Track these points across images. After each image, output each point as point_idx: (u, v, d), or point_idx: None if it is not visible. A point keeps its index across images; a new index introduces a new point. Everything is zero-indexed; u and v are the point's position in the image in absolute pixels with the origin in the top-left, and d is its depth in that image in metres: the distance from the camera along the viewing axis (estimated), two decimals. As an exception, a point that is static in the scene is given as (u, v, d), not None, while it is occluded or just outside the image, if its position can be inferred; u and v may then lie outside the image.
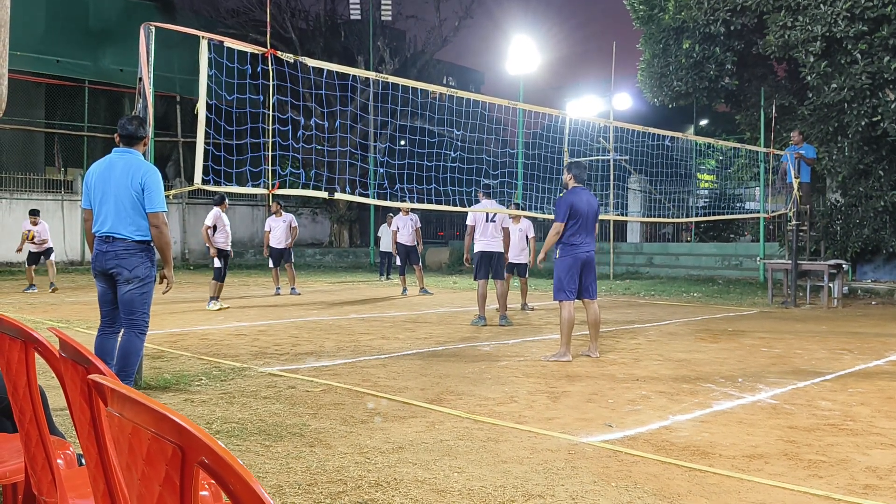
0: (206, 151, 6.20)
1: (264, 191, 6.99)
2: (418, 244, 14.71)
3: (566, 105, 28.05)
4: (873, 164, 15.02)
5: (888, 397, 5.49)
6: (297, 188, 8.36)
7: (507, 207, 11.66)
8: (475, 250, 10.01)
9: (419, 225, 14.78)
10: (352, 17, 27.83)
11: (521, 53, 21.86)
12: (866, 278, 15.25)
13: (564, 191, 7.38)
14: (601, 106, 27.46)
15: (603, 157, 20.38)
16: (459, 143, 10.36)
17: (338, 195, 8.11)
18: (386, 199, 9.44)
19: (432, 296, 14.43)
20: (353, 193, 9.29)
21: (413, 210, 14.23)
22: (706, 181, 26.00)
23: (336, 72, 7.89)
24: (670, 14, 16.68)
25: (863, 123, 14.13)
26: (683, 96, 17.72)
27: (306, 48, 26.72)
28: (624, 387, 5.80)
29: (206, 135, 6.27)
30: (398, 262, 15.11)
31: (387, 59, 27.14)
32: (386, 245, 18.45)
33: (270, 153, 7.23)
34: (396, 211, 15.13)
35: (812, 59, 14.20)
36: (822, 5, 13.60)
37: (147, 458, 1.04)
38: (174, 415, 0.96)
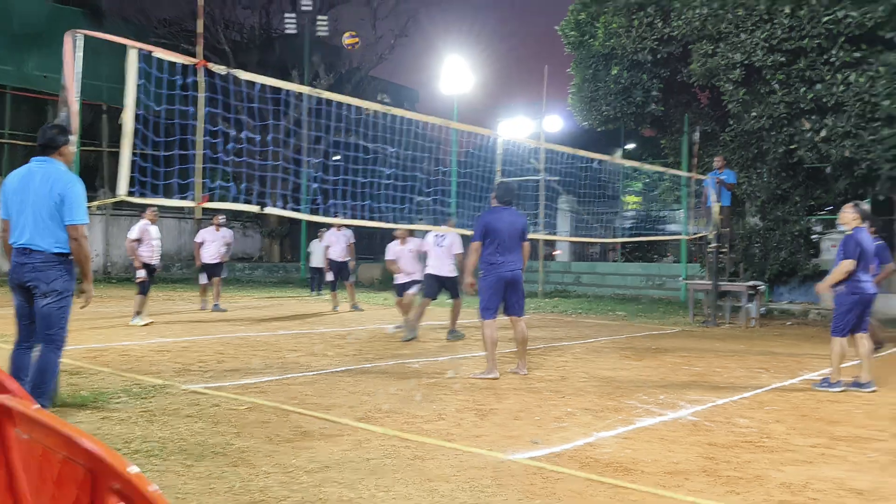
0: (132, 162, 6.05)
1: (192, 203, 6.85)
2: (351, 260, 14.60)
3: (499, 125, 28.48)
4: (790, 189, 15.71)
5: (802, 415, 5.73)
6: (227, 201, 8.20)
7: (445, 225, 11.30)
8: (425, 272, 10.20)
9: (352, 240, 14.64)
10: (287, 31, 27.65)
11: (456, 73, 22.11)
12: (782, 299, 15.89)
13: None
14: (533, 127, 27.94)
15: (534, 178, 20.72)
16: (394, 161, 10.40)
17: (269, 210, 8.02)
18: (318, 215, 9.35)
19: (363, 312, 14.36)
20: (284, 208, 9.19)
21: (346, 226, 14.13)
22: (632, 203, 26.72)
23: (269, 85, 7.83)
24: (600, 41, 17.14)
25: (780, 151, 14.78)
26: (612, 120, 18.20)
27: (240, 60, 26.35)
28: (551, 404, 5.88)
29: (133, 146, 6.12)
30: (330, 278, 14.94)
31: (322, 75, 27.03)
32: (317, 260, 18.27)
33: (199, 165, 7.09)
34: (328, 226, 15.00)
35: (732, 87, 14.80)
36: (741, 34, 14.20)
37: (57, 482, 1.02)
38: (86, 438, 0.94)
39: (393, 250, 10.64)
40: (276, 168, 9.77)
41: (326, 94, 8.43)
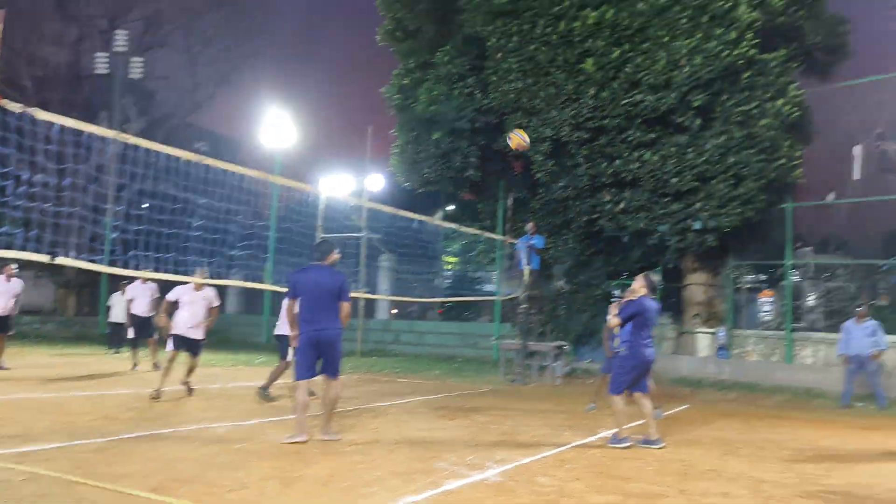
0: None
1: (-31, 250, 6.13)
2: (155, 315, 13.68)
3: (321, 181, 28.35)
4: (593, 256, 16.87)
5: (599, 472, 6.00)
6: (14, 249, 7.44)
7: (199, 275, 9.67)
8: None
9: (157, 294, 13.75)
10: (97, 71, 26.11)
11: (279, 126, 21.81)
12: (585, 359, 16.84)
13: None
14: (356, 185, 28.12)
15: (356, 235, 20.75)
16: (204, 212, 9.97)
17: (60, 259, 7.36)
18: (118, 266, 8.71)
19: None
20: (78, 258, 8.48)
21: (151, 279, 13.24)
22: (450, 263, 27.46)
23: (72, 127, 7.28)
24: (423, 106, 17.70)
25: (584, 219, 15.89)
26: (432, 183, 18.73)
27: (42, 98, 24.47)
28: (361, 468, 5.75)
29: None
30: (131, 335, 13.87)
31: (133, 118, 25.70)
32: (117, 315, 16.98)
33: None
34: (131, 278, 14.01)
35: (541, 159, 15.79)
36: (552, 110, 15.23)
37: None
38: None
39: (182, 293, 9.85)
40: (73, 215, 9.03)
41: (134, 140, 7.98)
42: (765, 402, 12.41)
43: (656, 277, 7.79)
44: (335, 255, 7.24)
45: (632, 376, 7.32)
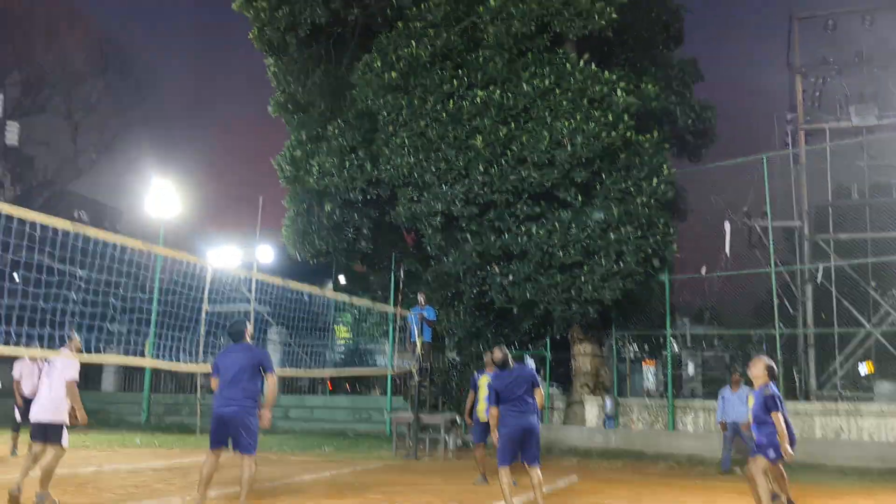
0: None
1: None
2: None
3: (209, 253, 27.61)
4: (484, 327, 17.09)
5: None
6: None
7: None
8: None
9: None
10: (-33, 134, 24.79)
11: (163, 196, 21.22)
12: (477, 430, 16.84)
13: None
14: (245, 256, 27.54)
15: (244, 308, 20.20)
16: (82, 285, 9.50)
17: None
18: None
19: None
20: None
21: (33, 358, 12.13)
22: (342, 336, 27.09)
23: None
24: (314, 178, 17.68)
25: (474, 292, 16.13)
26: (324, 254, 18.63)
27: None
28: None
29: None
30: (17, 418, 12.41)
31: (6, 185, 24.40)
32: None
33: None
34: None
35: (431, 232, 16.02)
36: (443, 185, 15.56)
37: None
38: None
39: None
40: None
41: (7, 209, 7.57)
42: (650, 469, 12.75)
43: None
44: (250, 328, 7.52)
45: (508, 446, 7.39)
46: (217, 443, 7.08)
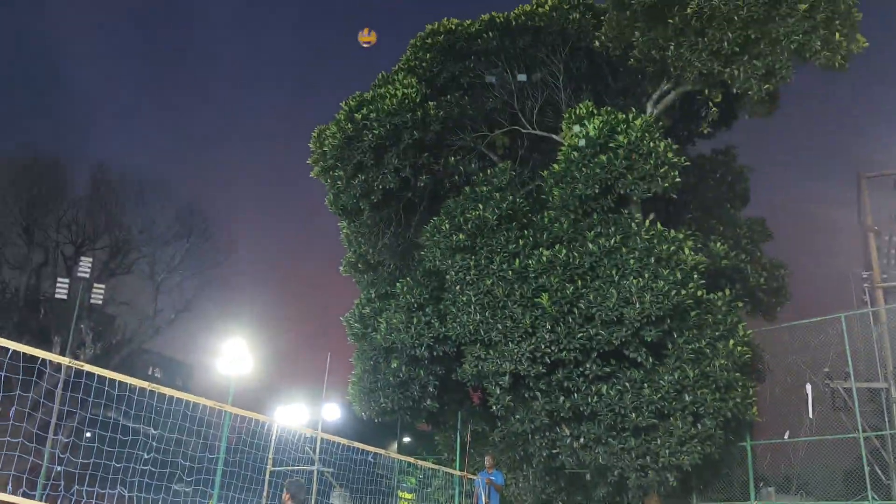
0: None
1: None
2: None
3: (275, 411, 27.65)
4: (554, 494, 16.28)
5: None
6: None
7: None
8: None
9: None
10: (57, 295, 26.19)
11: (235, 353, 21.61)
12: None
13: None
14: (311, 415, 27.45)
15: (308, 468, 19.88)
16: (155, 444, 9.56)
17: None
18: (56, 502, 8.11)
19: None
20: (15, 493, 7.92)
21: None
22: (406, 499, 26.17)
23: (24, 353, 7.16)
24: (382, 334, 17.86)
25: (544, 454, 15.52)
26: (389, 413, 18.41)
27: (-5, 320, 24.25)
28: None
29: None
30: None
31: (88, 343, 25.37)
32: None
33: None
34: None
35: (499, 391, 15.72)
36: (510, 343, 15.45)
37: None
38: None
39: None
40: (15, 446, 8.57)
41: (87, 367, 7.83)
42: None
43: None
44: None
45: None
46: None
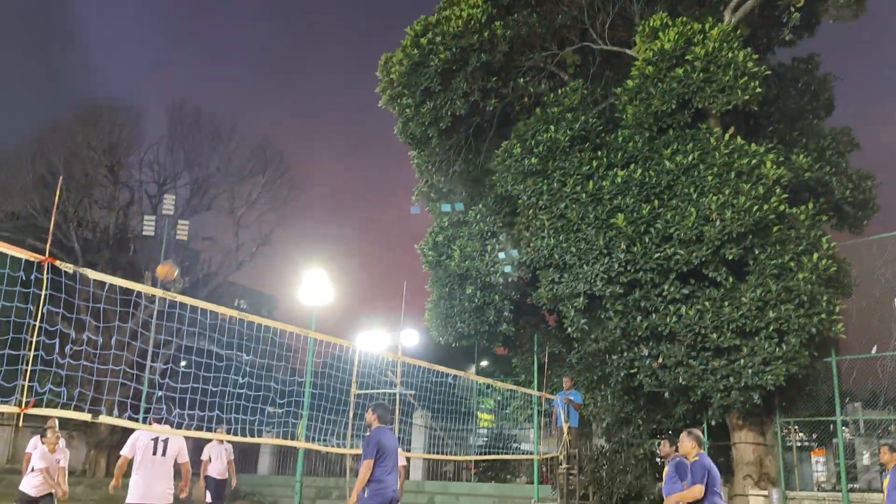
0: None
1: (15, 409, 6.20)
2: (232, 478, 13.30)
3: (356, 337, 28.48)
4: (633, 413, 16.39)
5: None
6: (56, 408, 7.48)
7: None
8: None
9: (232, 455, 13.38)
10: (144, 233, 27.31)
11: (316, 283, 22.27)
12: (631, 523, 15.95)
13: (369, 430, 7.65)
14: (390, 340, 28.17)
15: (390, 391, 20.53)
16: (247, 369, 10.02)
17: (103, 418, 7.37)
18: (159, 425, 8.67)
19: None
20: (121, 417, 8.49)
21: (225, 441, 12.71)
22: (485, 420, 26.83)
23: (119, 286, 7.53)
24: (456, 262, 18.07)
25: (622, 375, 15.58)
26: (466, 337, 18.77)
27: (89, 259, 25.53)
28: None
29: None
30: (208, 500, 13.20)
31: (177, 277, 26.47)
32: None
33: (29, 368, 6.53)
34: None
35: (573, 313, 15.75)
36: (584, 265, 15.39)
37: None
38: None
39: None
40: (117, 373, 9.14)
41: (180, 298, 8.20)
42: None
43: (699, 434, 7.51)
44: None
45: None
46: None
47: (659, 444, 9.25)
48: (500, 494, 20.39)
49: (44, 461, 9.30)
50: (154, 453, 7.27)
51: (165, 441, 7.33)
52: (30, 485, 9.65)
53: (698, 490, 6.93)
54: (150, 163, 29.81)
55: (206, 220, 30.42)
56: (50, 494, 9.65)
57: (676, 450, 8.42)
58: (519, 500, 19.57)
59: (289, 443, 13.43)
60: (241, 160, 29.18)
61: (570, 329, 16.12)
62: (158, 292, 8.29)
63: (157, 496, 7.15)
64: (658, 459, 16.91)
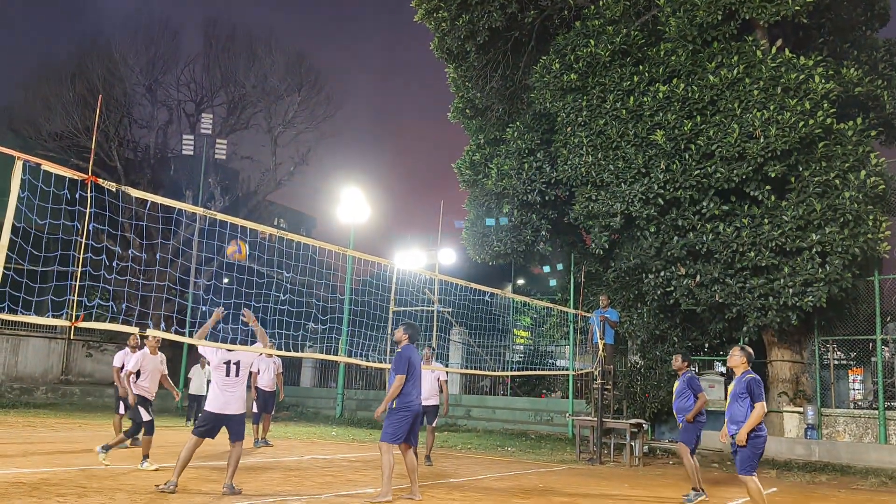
0: (3, 277, 5.71)
1: (66, 322, 6.47)
2: (280, 391, 13.82)
3: (394, 255, 28.84)
4: (668, 330, 16.47)
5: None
6: (105, 321, 7.78)
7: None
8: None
9: (281, 369, 13.85)
10: (184, 152, 27.58)
11: (354, 203, 22.47)
12: (664, 438, 16.26)
13: (398, 347, 7.98)
14: (427, 259, 28.46)
15: (427, 308, 20.89)
16: (288, 286, 10.26)
17: (150, 331, 7.67)
18: (205, 340, 8.99)
19: (272, 447, 13.37)
20: (167, 331, 8.81)
21: (274, 355, 13.06)
22: (522, 337, 27.21)
23: (161, 204, 7.68)
24: (493, 180, 17.97)
25: (658, 293, 15.57)
26: (503, 256, 18.83)
27: (131, 178, 25.92)
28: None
29: (8, 258, 5.80)
30: (255, 409, 13.68)
31: (217, 196, 26.85)
32: (196, 388, 17.42)
33: (78, 283, 6.77)
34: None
35: (607, 233, 15.72)
36: (622, 184, 15.22)
37: None
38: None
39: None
40: (161, 288, 9.43)
41: (220, 216, 8.34)
42: (858, 484, 11.69)
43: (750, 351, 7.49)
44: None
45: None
46: (403, 437, 7.71)
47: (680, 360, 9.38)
48: (535, 408, 20.87)
49: (151, 363, 9.71)
50: (227, 375, 7.65)
51: (238, 363, 7.70)
52: (141, 389, 9.82)
53: (763, 408, 6.87)
54: (188, 81, 29.79)
55: (244, 139, 30.55)
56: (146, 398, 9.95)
57: (688, 365, 9.02)
58: (554, 414, 20.03)
59: (330, 357, 13.86)
60: (276, 78, 28.98)
61: (600, 249, 16.11)
62: (199, 210, 8.45)
63: (234, 410, 7.61)
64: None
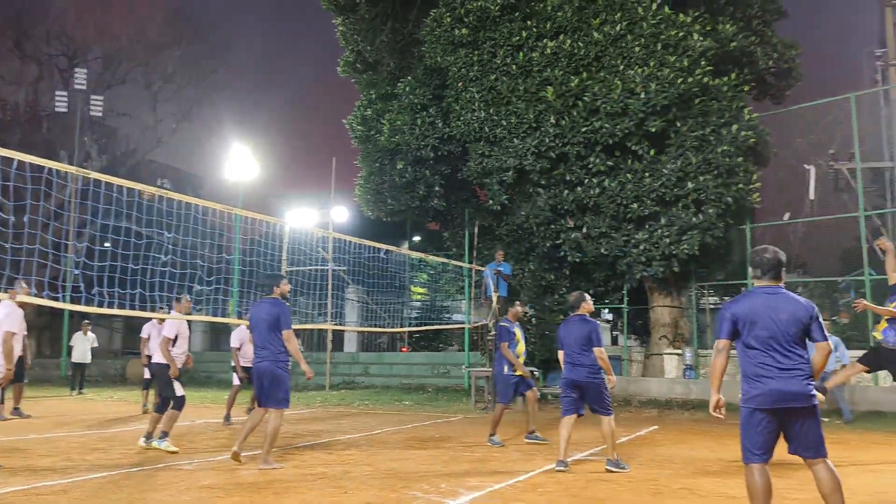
0: None
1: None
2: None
3: (286, 214, 28.24)
4: (556, 281, 16.97)
5: (572, 495, 6.01)
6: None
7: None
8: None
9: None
10: (57, 109, 25.88)
11: (241, 161, 21.77)
12: (554, 384, 16.86)
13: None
14: (321, 217, 28.05)
15: (321, 268, 20.65)
16: (171, 247, 9.87)
17: (20, 298, 7.23)
18: (80, 304, 8.56)
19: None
20: (39, 296, 8.34)
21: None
22: (418, 293, 27.43)
23: (30, 164, 7.21)
24: (386, 136, 17.79)
25: (547, 246, 16.00)
26: (397, 213, 18.78)
27: (1, 138, 24.15)
28: (334, 499, 5.69)
29: None
30: (146, 375, 13.02)
31: (94, 156, 25.45)
32: (79, 355, 16.71)
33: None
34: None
35: (496, 188, 15.92)
36: (514, 139, 15.42)
37: None
38: None
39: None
40: (33, 252, 8.89)
41: (96, 175, 7.91)
42: (735, 419, 12.53)
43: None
44: (285, 287, 7.44)
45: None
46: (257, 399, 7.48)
47: None
48: (433, 362, 21.19)
49: (185, 329, 8.81)
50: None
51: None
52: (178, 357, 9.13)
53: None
54: (59, 34, 27.82)
55: (122, 94, 28.92)
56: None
57: (505, 312, 9.37)
58: (451, 367, 20.40)
59: (220, 319, 13.52)
60: (155, 29, 27.49)
61: (495, 203, 16.33)
62: (72, 169, 7.99)
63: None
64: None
